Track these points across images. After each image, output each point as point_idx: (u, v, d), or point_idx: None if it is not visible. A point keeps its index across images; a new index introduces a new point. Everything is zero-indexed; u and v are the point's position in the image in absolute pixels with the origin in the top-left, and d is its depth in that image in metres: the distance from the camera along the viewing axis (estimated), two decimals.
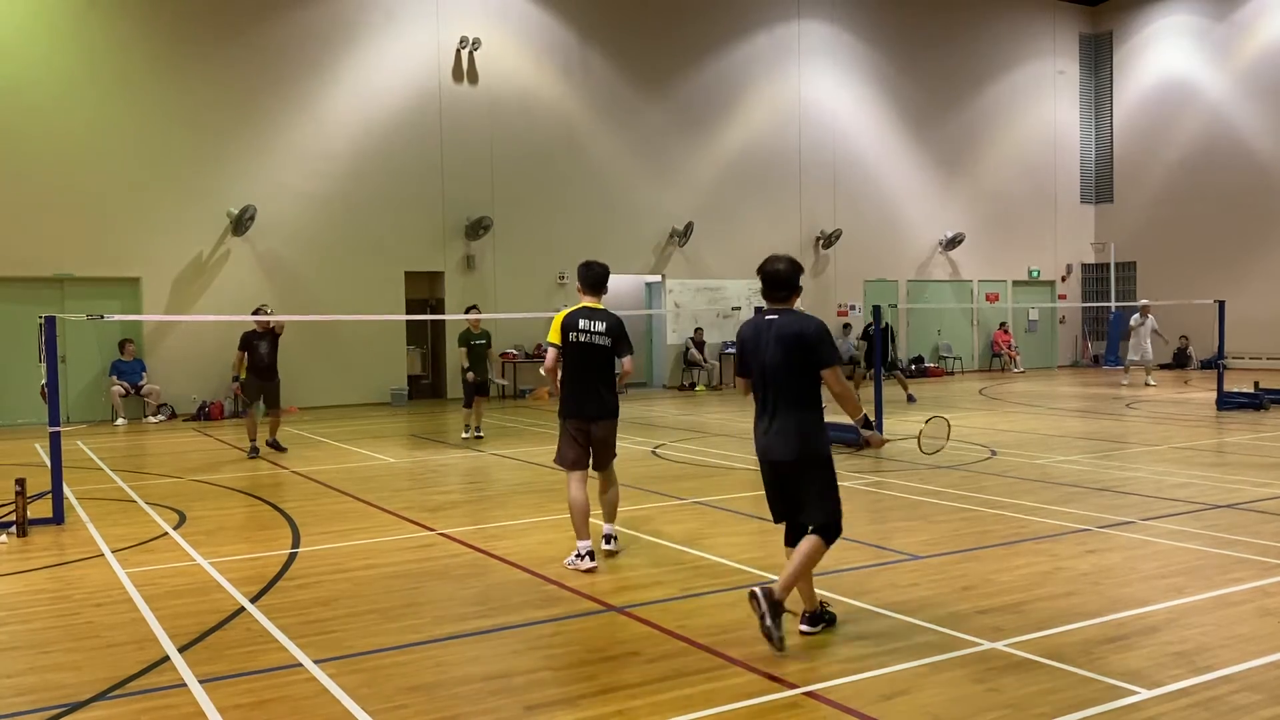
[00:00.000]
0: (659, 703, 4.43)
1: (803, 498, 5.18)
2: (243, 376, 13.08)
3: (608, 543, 7.13)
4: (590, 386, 6.82)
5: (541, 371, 7.11)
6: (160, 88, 18.22)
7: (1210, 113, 26.69)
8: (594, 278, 6.96)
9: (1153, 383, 21.78)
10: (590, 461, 6.96)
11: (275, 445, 12.98)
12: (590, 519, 6.86)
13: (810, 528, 5.17)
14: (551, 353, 6.92)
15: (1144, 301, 23.02)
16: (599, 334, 6.79)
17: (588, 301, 6.94)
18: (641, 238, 22.78)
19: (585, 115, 22.13)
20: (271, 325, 12.99)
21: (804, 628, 5.28)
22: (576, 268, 7.20)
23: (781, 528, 5.43)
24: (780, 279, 5.20)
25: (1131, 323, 22.41)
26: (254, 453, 12.77)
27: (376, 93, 20.01)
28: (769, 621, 4.87)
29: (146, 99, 18.11)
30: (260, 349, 12.85)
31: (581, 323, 6.81)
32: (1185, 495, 9.08)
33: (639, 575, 6.63)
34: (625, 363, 6.94)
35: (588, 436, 6.87)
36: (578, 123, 22.04)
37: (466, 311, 14.41)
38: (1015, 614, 5.61)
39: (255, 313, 13.28)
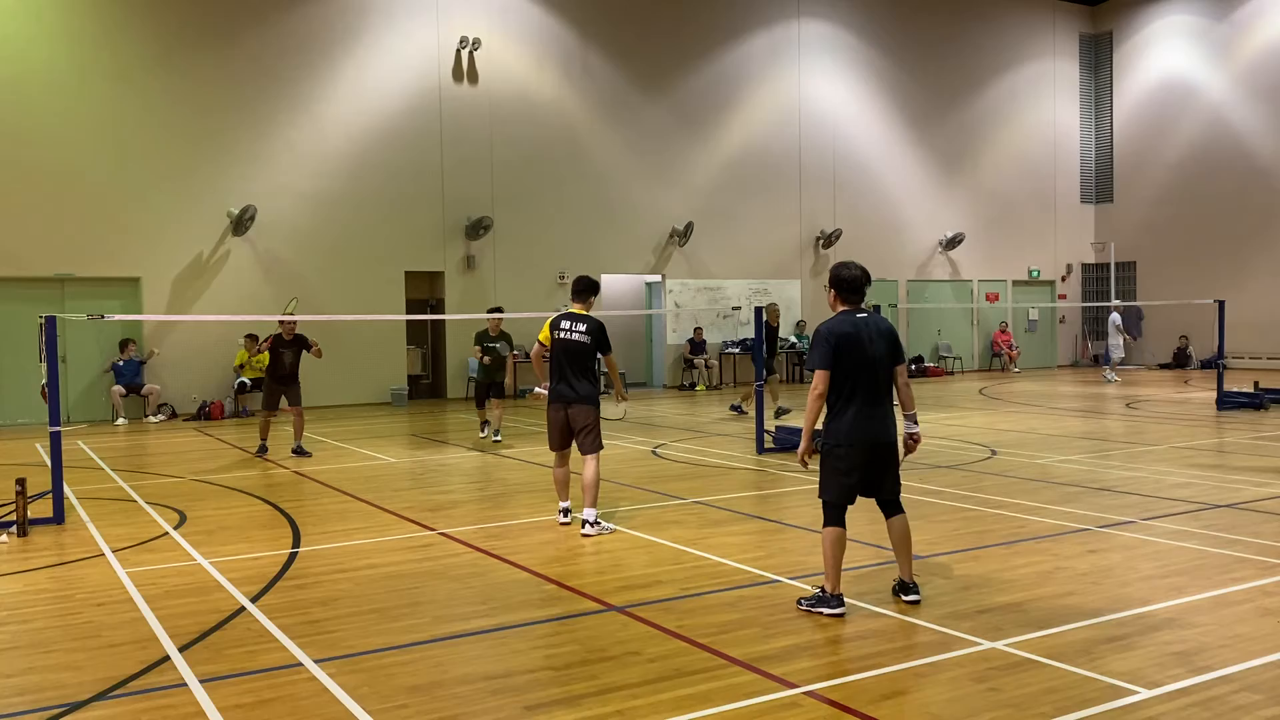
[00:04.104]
0: (659, 702, 4.44)
1: (887, 476, 5.82)
2: (253, 377, 13.10)
3: (584, 527, 7.81)
4: (567, 376, 7.97)
5: (533, 360, 8.64)
6: (161, 88, 18.22)
7: (1210, 113, 26.68)
8: (578, 286, 8.19)
9: (1112, 378, 22.60)
10: (573, 444, 8.10)
11: (300, 451, 12.75)
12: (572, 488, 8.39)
13: (891, 501, 5.90)
14: (536, 347, 8.43)
15: (1116, 301, 23.94)
16: (580, 333, 7.97)
17: (574, 308, 8.15)
18: (641, 238, 22.78)
19: (585, 115, 22.14)
20: (297, 332, 12.91)
21: (915, 598, 5.82)
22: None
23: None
24: (863, 283, 5.85)
25: (1118, 322, 23.02)
26: (262, 451, 12.77)
27: (376, 93, 20.02)
28: (919, 595, 5.84)
29: (147, 99, 18.12)
30: (285, 357, 12.79)
31: (564, 324, 8.03)
32: (1185, 495, 9.08)
33: (639, 575, 6.63)
34: (605, 360, 8.10)
35: (566, 419, 7.97)
36: (578, 123, 22.04)
37: (489, 312, 14.27)
38: (1015, 614, 5.61)
39: (285, 310, 13.16)
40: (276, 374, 12.84)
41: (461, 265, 20.84)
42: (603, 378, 13.83)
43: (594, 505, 7.89)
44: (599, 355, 8.05)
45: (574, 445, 8.12)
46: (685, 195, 23.19)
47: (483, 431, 14.15)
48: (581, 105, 22.09)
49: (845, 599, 5.73)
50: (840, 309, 5.85)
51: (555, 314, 8.17)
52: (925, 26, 26.54)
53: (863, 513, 8.51)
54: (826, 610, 5.63)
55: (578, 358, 7.95)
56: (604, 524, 7.96)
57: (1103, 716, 4.24)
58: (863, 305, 5.86)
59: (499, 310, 14.25)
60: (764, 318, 13.56)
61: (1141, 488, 9.49)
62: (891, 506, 5.90)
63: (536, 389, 8.61)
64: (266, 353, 13.01)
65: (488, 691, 4.64)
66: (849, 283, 5.81)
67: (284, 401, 12.93)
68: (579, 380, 7.96)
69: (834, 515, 5.76)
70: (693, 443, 13.43)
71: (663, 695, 4.52)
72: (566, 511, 8.18)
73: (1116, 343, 22.97)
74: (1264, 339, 25.15)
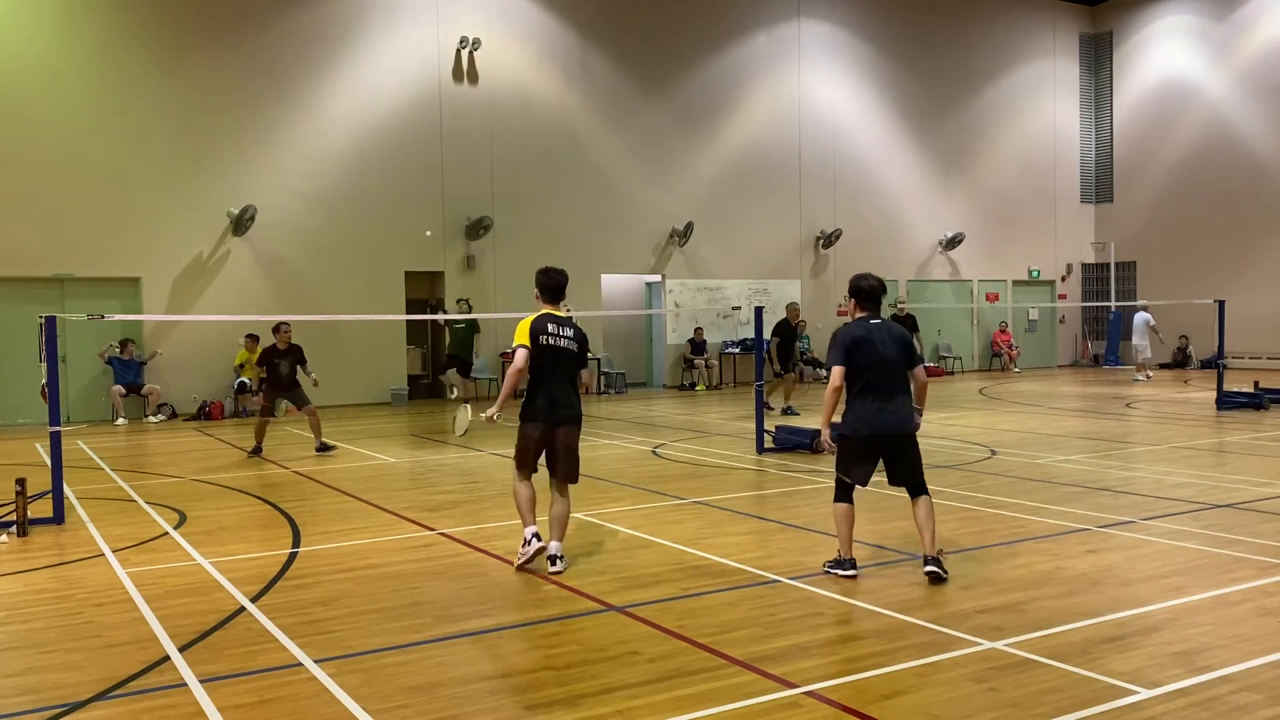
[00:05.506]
0: (659, 703, 4.44)
1: (908, 463, 6.45)
2: (255, 386, 13.36)
3: (553, 564, 6.65)
4: (561, 389, 6.77)
5: (510, 372, 6.72)
6: (161, 88, 18.22)
7: (1210, 113, 26.68)
8: (554, 285, 6.91)
9: (1147, 376, 22.50)
10: (552, 468, 6.88)
11: (324, 448, 12.79)
12: (538, 517, 6.92)
13: (915, 485, 6.48)
14: (522, 352, 6.69)
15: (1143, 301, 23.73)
16: (568, 339, 6.79)
17: (550, 309, 6.87)
18: (641, 238, 22.78)
19: (585, 115, 22.13)
20: (291, 342, 12.94)
21: (934, 569, 6.25)
22: (535, 274, 7.01)
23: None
24: (880, 293, 6.58)
25: (1151, 321, 22.90)
26: (256, 451, 12.78)
27: (376, 93, 20.02)
28: (945, 571, 6.28)
29: (147, 99, 18.12)
30: (280, 368, 12.85)
31: (550, 327, 6.75)
32: (1185, 495, 9.08)
33: (639, 575, 6.63)
34: (583, 374, 6.95)
35: (552, 441, 6.79)
36: (578, 123, 22.03)
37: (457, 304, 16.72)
38: (1015, 614, 5.61)
39: (275, 330, 13.11)
40: (274, 383, 12.92)
41: (461, 265, 20.84)
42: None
43: (562, 537, 6.85)
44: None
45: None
46: (685, 195, 23.19)
47: (451, 393, 16.26)
48: (581, 105, 22.08)
49: (858, 576, 6.38)
50: (858, 315, 6.58)
51: (531, 316, 6.80)
52: (925, 26, 26.54)
53: (864, 511, 8.52)
54: (841, 571, 6.40)
55: (569, 368, 6.80)
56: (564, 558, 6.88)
57: (1103, 716, 4.24)
58: (880, 312, 6.59)
59: (465, 300, 17.54)
60: (763, 316, 13.50)
61: (1141, 488, 9.49)
62: (915, 490, 6.50)
63: (489, 415, 6.81)
64: (262, 368, 13.08)
65: (488, 691, 4.64)
66: (867, 292, 6.56)
67: (288, 405, 12.99)
68: (573, 394, 6.86)
69: (843, 492, 6.55)
70: (693, 443, 13.43)
71: (663, 695, 4.52)
72: (537, 536, 6.73)
73: (1144, 343, 22.84)
74: (1264, 339, 25.15)
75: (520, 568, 6.69)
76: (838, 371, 6.40)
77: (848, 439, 6.46)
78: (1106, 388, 21.47)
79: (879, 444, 6.39)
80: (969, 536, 7.58)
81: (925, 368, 6.90)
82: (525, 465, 6.87)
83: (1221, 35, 26.58)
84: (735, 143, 23.90)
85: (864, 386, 6.36)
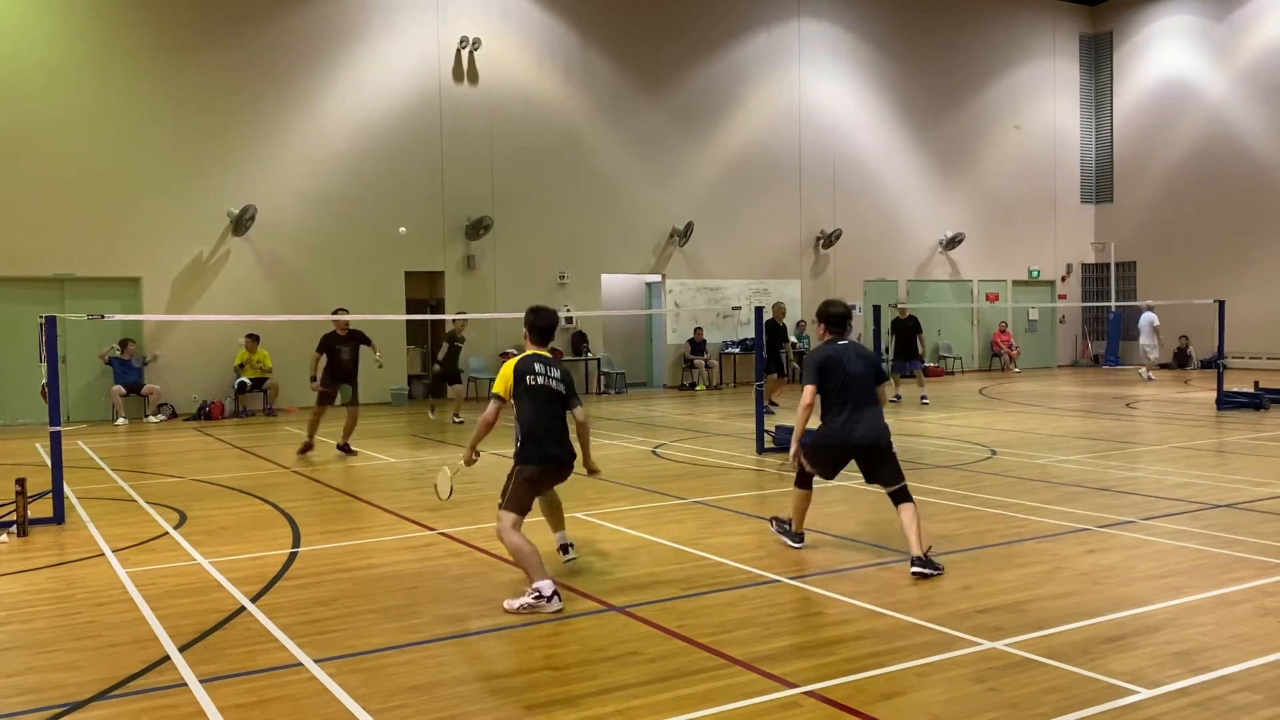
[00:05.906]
0: (659, 702, 4.44)
1: (883, 471, 6.81)
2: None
3: (565, 552, 6.81)
4: (561, 428, 6.38)
5: (481, 423, 6.34)
6: (161, 88, 18.22)
7: (1210, 113, 26.68)
8: (545, 325, 6.53)
9: (1150, 377, 22.62)
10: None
11: (345, 449, 12.59)
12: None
13: (895, 491, 6.77)
14: (494, 406, 6.30)
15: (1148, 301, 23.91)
16: (556, 379, 6.37)
17: (536, 349, 6.49)
18: (641, 238, 22.78)
19: (585, 115, 22.13)
20: (351, 328, 12.68)
21: (919, 570, 6.40)
22: (525, 314, 6.61)
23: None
24: (847, 318, 7.09)
25: (1155, 322, 23.20)
26: (308, 448, 12.46)
27: (376, 93, 20.02)
28: (932, 569, 6.41)
29: (147, 99, 18.11)
30: (342, 354, 12.54)
31: (537, 367, 6.33)
32: (1185, 495, 9.08)
33: (639, 575, 6.63)
34: (578, 413, 6.45)
35: (555, 479, 6.48)
36: (578, 123, 22.03)
37: (458, 312, 17.67)
38: (1015, 614, 5.61)
39: (335, 313, 12.82)
40: (336, 372, 12.57)
41: (461, 265, 20.84)
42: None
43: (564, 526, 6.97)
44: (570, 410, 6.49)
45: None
46: (685, 195, 23.19)
47: (432, 414, 16.44)
48: (581, 105, 22.08)
49: (801, 550, 7.04)
50: (827, 338, 7.07)
51: (515, 359, 6.40)
52: (925, 26, 26.54)
53: (864, 511, 8.53)
54: (788, 541, 7.20)
55: (561, 408, 6.41)
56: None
57: (1103, 716, 4.24)
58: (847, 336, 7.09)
59: (463, 313, 17.90)
60: (763, 317, 13.51)
61: (1141, 488, 9.49)
62: (896, 496, 6.75)
63: (465, 460, 6.73)
64: (322, 355, 12.62)
65: (488, 691, 4.64)
66: (836, 318, 7.07)
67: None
68: (566, 432, 6.44)
69: (803, 480, 7.18)
70: (693, 443, 13.43)
71: (663, 695, 4.52)
72: (558, 594, 5.95)
73: (1151, 343, 23.02)
74: (1264, 339, 25.14)
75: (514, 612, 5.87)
76: (809, 390, 6.84)
77: (821, 446, 6.97)
78: (1107, 388, 21.48)
79: (849, 452, 6.89)
80: (969, 536, 7.58)
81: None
82: (521, 510, 6.26)
83: (1221, 35, 26.58)
84: (735, 143, 23.90)
85: (836, 402, 6.85)
